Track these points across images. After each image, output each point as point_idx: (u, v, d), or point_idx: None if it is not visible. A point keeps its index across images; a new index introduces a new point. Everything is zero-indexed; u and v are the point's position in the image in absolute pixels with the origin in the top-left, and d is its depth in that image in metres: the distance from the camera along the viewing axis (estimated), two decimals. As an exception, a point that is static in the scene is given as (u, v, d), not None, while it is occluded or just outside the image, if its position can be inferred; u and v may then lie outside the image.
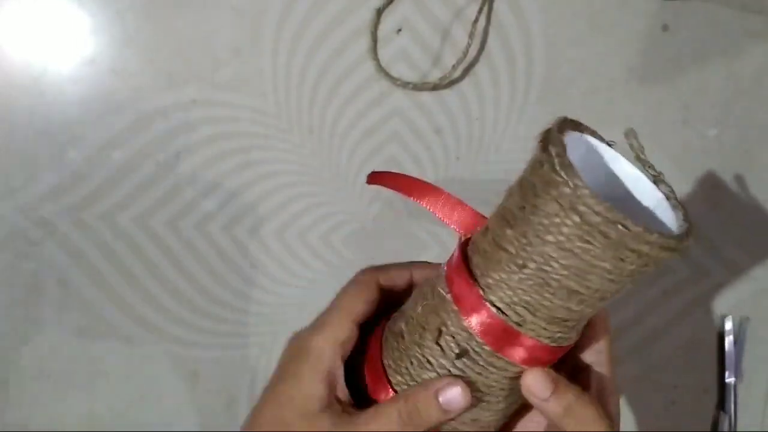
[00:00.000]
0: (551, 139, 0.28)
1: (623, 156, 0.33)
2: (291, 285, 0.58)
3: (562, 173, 0.26)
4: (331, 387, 0.33)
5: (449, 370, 0.31)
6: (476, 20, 0.52)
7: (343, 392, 0.34)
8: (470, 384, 0.31)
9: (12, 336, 0.57)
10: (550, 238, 0.27)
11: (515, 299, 0.29)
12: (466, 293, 0.30)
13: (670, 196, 0.32)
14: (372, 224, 0.57)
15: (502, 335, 0.30)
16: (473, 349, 0.31)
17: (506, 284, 0.29)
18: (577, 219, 0.26)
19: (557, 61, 0.55)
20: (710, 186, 0.57)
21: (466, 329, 0.30)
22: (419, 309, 0.33)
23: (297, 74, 0.54)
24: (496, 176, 0.57)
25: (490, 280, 0.30)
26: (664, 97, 0.56)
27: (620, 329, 0.59)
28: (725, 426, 0.59)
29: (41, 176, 0.54)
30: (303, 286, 0.58)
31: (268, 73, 0.54)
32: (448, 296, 0.31)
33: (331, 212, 0.57)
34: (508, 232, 0.29)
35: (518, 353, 0.30)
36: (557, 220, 0.27)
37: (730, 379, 0.59)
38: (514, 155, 0.56)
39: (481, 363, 0.31)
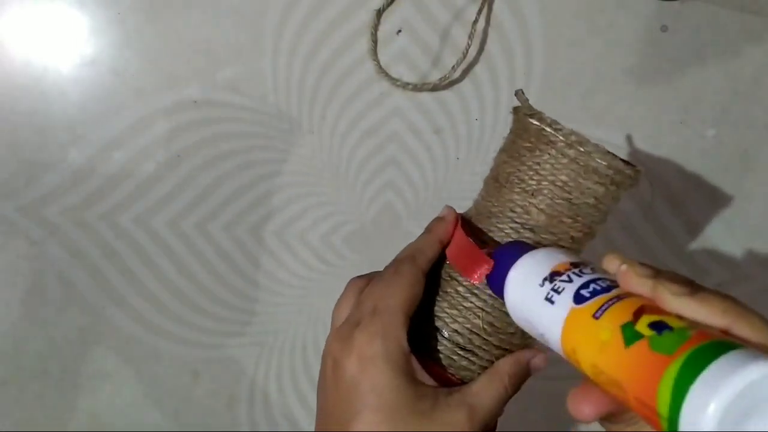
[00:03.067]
0: (546, 120, 0.34)
1: None
2: (291, 285, 0.58)
3: (575, 141, 0.33)
4: (421, 382, 0.34)
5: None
6: (476, 21, 0.52)
7: (427, 378, 0.34)
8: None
9: (12, 336, 0.57)
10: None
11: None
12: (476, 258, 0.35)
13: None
14: (372, 224, 0.58)
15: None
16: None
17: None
18: (591, 176, 0.34)
19: (556, 61, 0.55)
20: (709, 186, 0.57)
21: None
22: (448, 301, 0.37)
23: (297, 75, 0.54)
24: (496, 176, 0.57)
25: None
26: (663, 98, 0.56)
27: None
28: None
29: (42, 176, 0.54)
30: (303, 286, 0.58)
31: (269, 74, 0.54)
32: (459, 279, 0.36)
33: (331, 212, 0.57)
34: (520, 198, 0.35)
35: None
36: (570, 179, 0.34)
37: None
38: (514, 155, 0.56)
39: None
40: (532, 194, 0.35)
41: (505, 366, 0.36)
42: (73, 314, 0.57)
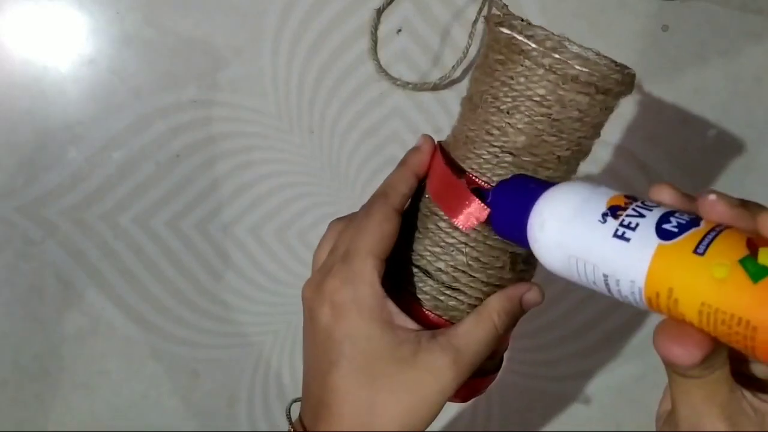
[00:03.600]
0: (517, 27, 0.31)
1: None
2: (291, 285, 0.58)
3: (549, 47, 0.30)
4: (400, 327, 0.32)
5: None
6: (476, 21, 0.52)
7: (409, 322, 0.32)
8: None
9: (12, 336, 0.57)
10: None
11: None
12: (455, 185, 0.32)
13: (564, 40, 0.33)
14: (372, 224, 0.58)
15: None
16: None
17: (503, 167, 0.32)
18: (569, 85, 0.30)
19: (557, 61, 0.55)
20: (710, 186, 0.57)
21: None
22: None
23: (297, 74, 0.54)
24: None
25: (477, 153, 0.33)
26: (664, 97, 0.56)
27: (620, 330, 0.59)
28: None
29: (42, 176, 0.54)
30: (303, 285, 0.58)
31: (269, 74, 0.54)
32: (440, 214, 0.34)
33: (331, 212, 0.57)
34: (495, 119, 0.32)
35: None
36: (549, 91, 0.30)
37: (729, 379, 0.59)
38: (514, 155, 0.56)
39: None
40: (508, 112, 0.31)
41: (495, 303, 0.33)
42: (73, 314, 0.57)
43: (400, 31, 0.54)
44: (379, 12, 0.53)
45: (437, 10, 0.54)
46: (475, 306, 0.34)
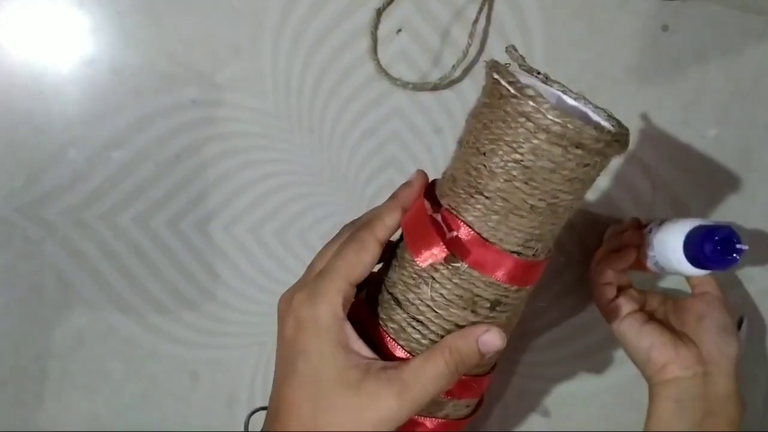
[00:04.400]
0: (503, 72, 0.31)
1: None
2: (291, 285, 0.58)
3: (526, 95, 0.30)
4: (354, 351, 0.33)
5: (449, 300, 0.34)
6: (476, 20, 0.52)
7: (364, 349, 0.33)
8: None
9: (12, 336, 0.57)
10: (516, 151, 0.31)
11: (492, 222, 0.33)
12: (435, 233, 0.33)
13: (580, 98, 0.35)
14: (372, 224, 0.57)
15: (482, 251, 0.33)
16: (460, 273, 0.33)
17: (477, 209, 0.33)
18: (543, 135, 0.30)
19: (557, 61, 0.55)
20: (710, 186, 0.57)
21: (449, 264, 0.33)
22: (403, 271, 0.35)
23: (297, 74, 0.54)
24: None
25: (465, 209, 0.33)
26: (664, 97, 0.56)
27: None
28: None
29: (41, 176, 0.54)
30: (303, 286, 0.58)
31: (268, 73, 0.54)
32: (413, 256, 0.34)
33: (331, 212, 0.57)
34: (475, 159, 0.33)
35: (499, 271, 0.33)
36: (523, 138, 0.31)
37: (729, 379, 0.59)
38: (514, 155, 0.56)
39: (465, 281, 0.34)
40: (485, 154, 0.32)
41: (449, 340, 0.33)
42: (72, 314, 0.57)
43: (400, 31, 0.54)
44: (379, 12, 0.53)
45: (437, 10, 0.54)
46: (434, 341, 0.34)
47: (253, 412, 0.40)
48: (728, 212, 0.57)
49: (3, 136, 0.54)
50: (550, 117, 0.30)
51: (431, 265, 0.33)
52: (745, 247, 0.42)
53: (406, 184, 0.37)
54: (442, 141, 0.56)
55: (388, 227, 0.35)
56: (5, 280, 0.56)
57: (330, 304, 0.33)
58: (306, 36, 0.53)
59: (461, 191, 0.34)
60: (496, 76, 0.31)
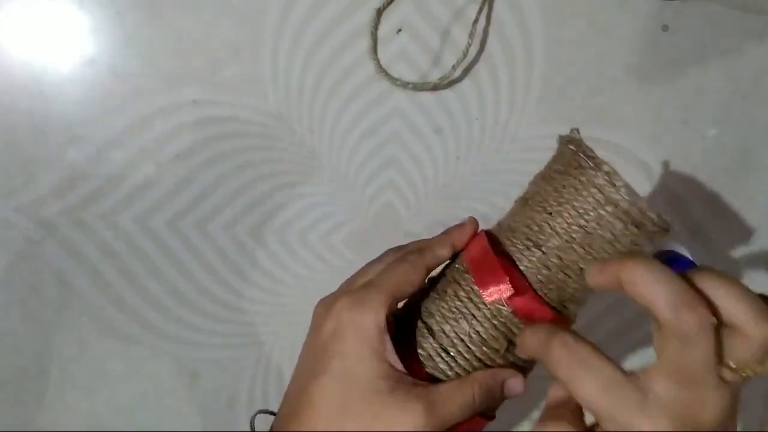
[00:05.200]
0: (582, 146, 0.35)
1: None
2: (291, 285, 0.58)
3: (603, 170, 0.34)
4: (390, 363, 0.34)
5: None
6: (476, 20, 0.52)
7: (399, 364, 0.34)
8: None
9: (10, 336, 0.57)
10: (579, 219, 0.34)
11: (541, 276, 0.35)
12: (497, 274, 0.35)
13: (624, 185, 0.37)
14: (372, 224, 0.58)
15: (528, 308, 0.35)
16: (509, 321, 0.36)
17: (532, 261, 0.35)
18: (610, 207, 0.33)
19: (557, 61, 0.55)
20: (710, 186, 0.57)
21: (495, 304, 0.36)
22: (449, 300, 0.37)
23: (297, 74, 0.54)
24: (496, 176, 0.57)
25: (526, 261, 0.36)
26: (664, 98, 0.56)
27: (620, 329, 0.59)
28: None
29: (41, 176, 0.54)
30: (303, 286, 0.58)
31: (268, 73, 0.54)
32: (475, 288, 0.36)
33: (331, 212, 0.57)
34: (539, 217, 0.36)
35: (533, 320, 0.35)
36: (591, 207, 0.34)
37: (729, 379, 0.59)
38: (514, 155, 0.56)
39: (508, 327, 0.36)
40: (551, 214, 0.35)
41: (479, 375, 0.36)
42: (72, 314, 0.57)
43: (400, 31, 0.54)
44: (379, 12, 0.53)
45: (437, 10, 0.54)
46: (459, 375, 0.36)
47: (259, 413, 0.39)
48: (728, 212, 0.57)
49: (3, 136, 0.54)
50: (621, 194, 0.33)
51: (492, 302, 0.35)
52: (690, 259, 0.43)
53: (459, 226, 0.39)
54: (442, 141, 0.56)
55: (437, 257, 0.37)
56: (5, 279, 0.56)
57: (375, 313, 0.34)
58: (306, 36, 0.53)
59: (518, 242, 0.36)
60: (573, 148, 0.35)
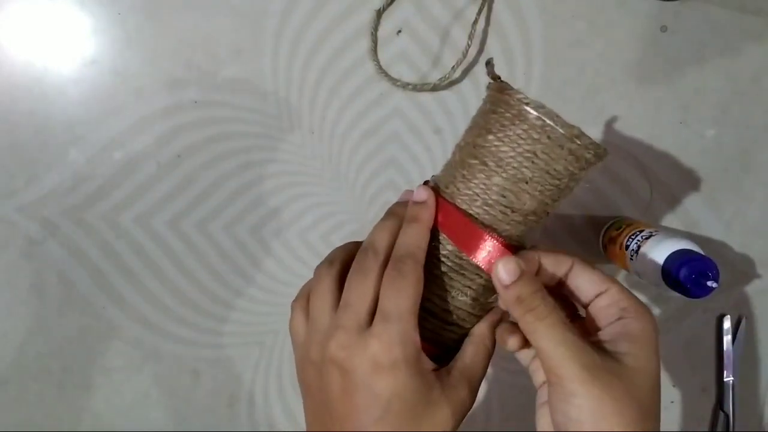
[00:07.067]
0: (507, 88, 0.36)
1: None
2: (291, 285, 0.58)
3: (531, 106, 0.35)
4: (428, 371, 0.35)
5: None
6: (476, 21, 0.52)
7: (428, 362, 0.35)
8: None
9: (12, 335, 0.57)
10: (512, 148, 0.35)
11: (483, 200, 0.36)
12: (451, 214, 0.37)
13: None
14: (372, 224, 0.58)
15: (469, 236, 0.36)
16: (457, 262, 0.37)
17: (474, 192, 0.36)
18: (538, 134, 0.34)
19: (556, 61, 0.55)
20: (709, 186, 0.57)
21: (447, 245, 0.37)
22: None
23: (297, 75, 0.54)
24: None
25: (464, 194, 0.37)
26: (663, 98, 0.56)
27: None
28: (724, 425, 0.59)
29: (43, 176, 0.54)
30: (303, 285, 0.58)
31: (269, 74, 0.54)
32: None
33: (331, 212, 0.57)
34: (478, 161, 0.36)
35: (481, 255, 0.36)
36: (522, 136, 0.35)
37: (728, 379, 0.59)
38: (514, 155, 0.56)
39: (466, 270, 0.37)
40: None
41: (483, 330, 0.38)
42: (74, 314, 0.57)
43: (400, 31, 0.54)
44: (380, 13, 0.53)
45: (437, 11, 0.54)
46: (465, 335, 0.38)
47: None
48: (727, 212, 0.58)
49: (5, 136, 0.54)
50: (560, 130, 0.34)
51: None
52: (715, 286, 0.43)
53: (422, 206, 0.38)
54: (442, 141, 0.56)
55: (425, 252, 0.37)
56: (7, 279, 0.56)
57: (414, 343, 0.34)
58: (306, 37, 0.54)
59: (467, 191, 0.37)
60: (499, 91, 0.36)
